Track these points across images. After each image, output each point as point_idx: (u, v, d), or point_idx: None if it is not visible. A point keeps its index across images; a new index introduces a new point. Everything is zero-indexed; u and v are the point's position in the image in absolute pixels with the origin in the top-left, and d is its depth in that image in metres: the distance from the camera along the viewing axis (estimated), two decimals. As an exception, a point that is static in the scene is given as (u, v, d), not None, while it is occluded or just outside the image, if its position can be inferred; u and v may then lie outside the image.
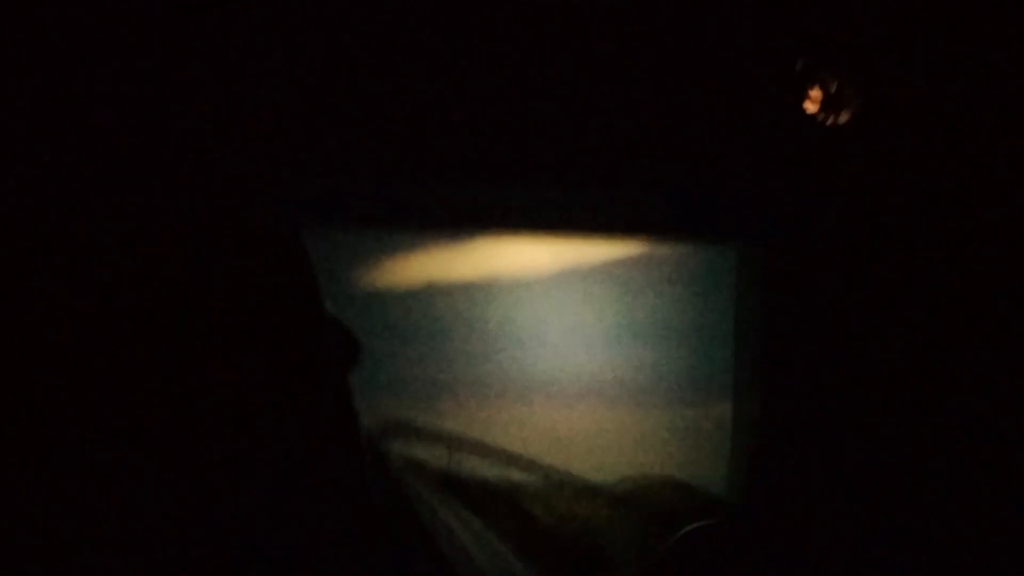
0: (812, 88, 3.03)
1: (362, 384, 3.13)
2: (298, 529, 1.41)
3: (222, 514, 1.33)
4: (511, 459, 3.20)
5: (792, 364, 3.10)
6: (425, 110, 3.04)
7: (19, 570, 1.26)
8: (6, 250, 1.32)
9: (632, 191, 3.04)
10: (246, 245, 1.44)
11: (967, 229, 3.08)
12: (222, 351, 1.38)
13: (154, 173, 1.40)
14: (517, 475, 3.20)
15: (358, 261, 3.18)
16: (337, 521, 1.44)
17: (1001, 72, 3.05)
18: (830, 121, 3.02)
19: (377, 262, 3.19)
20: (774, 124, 3.05)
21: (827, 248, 3.09)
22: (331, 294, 3.12)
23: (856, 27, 3.03)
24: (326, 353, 1.48)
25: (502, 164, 3.03)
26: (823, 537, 3.11)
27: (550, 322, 3.20)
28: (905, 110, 3.06)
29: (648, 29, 3.03)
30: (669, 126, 3.05)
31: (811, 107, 3.03)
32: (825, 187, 3.07)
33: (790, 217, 3.09)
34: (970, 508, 3.11)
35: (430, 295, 3.20)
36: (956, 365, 3.11)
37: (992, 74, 3.05)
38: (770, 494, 3.12)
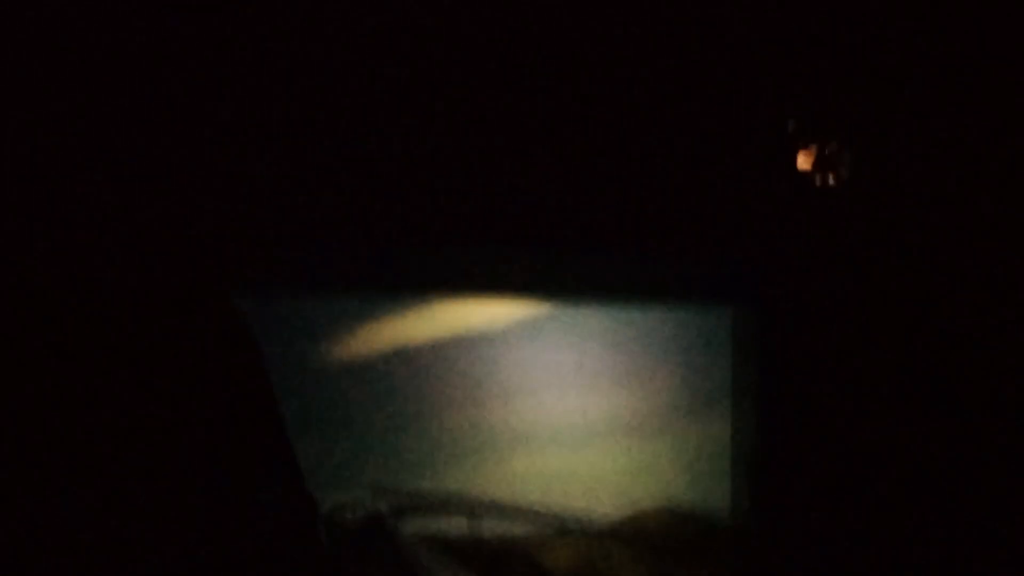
0: (804, 148, 3.09)
1: (348, 457, 3.20)
2: None
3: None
4: (512, 511, 3.20)
5: (789, 404, 3.15)
6: (422, 174, 3.11)
7: None
8: None
9: (628, 255, 3.09)
10: (191, 316, 1.46)
11: (959, 286, 3.12)
12: (162, 425, 1.41)
13: (102, 255, 1.43)
14: (520, 527, 3.20)
15: (330, 330, 3.21)
16: None
17: (992, 132, 3.09)
18: (823, 182, 3.07)
19: (350, 329, 3.22)
20: (768, 188, 3.11)
21: (821, 302, 3.15)
22: (305, 367, 3.19)
23: (846, 88, 3.08)
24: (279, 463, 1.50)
25: (511, 230, 3.10)
26: (824, 561, 3.16)
27: (541, 378, 3.25)
28: (897, 171, 3.10)
29: (640, 94, 3.09)
30: (663, 191, 3.11)
31: (803, 164, 3.08)
32: (818, 248, 3.11)
33: (783, 277, 3.13)
34: (962, 524, 3.16)
35: (420, 355, 3.25)
36: (939, 398, 3.16)
37: (984, 133, 3.10)
38: (771, 518, 3.18)
